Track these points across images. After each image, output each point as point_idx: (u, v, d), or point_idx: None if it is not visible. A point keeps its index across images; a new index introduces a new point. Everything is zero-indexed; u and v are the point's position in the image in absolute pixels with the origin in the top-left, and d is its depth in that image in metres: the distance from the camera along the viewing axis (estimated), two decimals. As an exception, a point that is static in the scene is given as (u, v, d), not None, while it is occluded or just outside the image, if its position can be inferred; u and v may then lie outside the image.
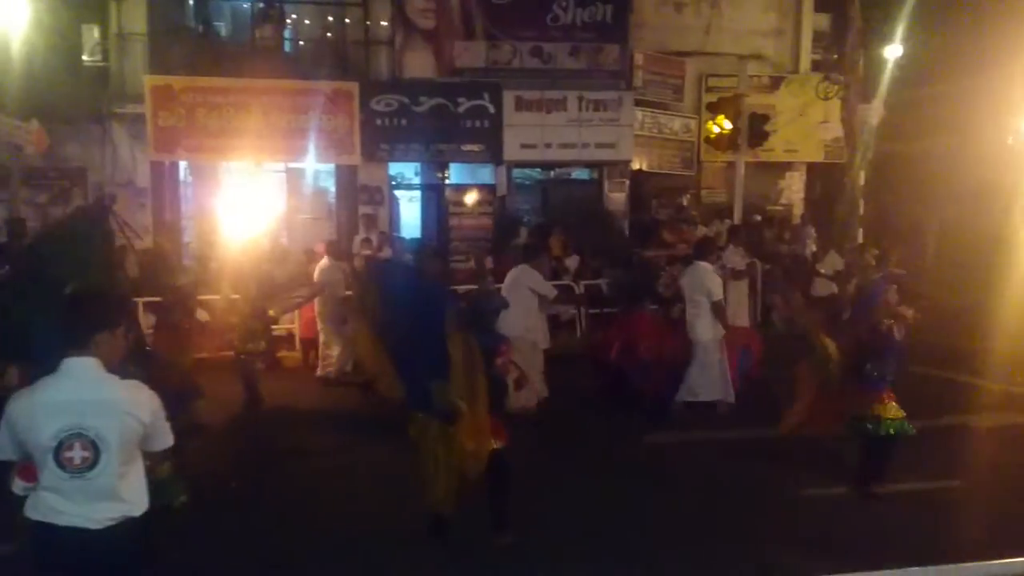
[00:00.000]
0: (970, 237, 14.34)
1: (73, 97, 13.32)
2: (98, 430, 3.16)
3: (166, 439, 3.46)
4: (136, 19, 13.53)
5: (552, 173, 15.87)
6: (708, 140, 15.96)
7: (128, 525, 3.25)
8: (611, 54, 14.56)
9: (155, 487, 4.36)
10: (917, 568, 2.90)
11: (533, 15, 14.28)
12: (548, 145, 14.33)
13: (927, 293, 9.62)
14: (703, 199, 16.68)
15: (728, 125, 15.65)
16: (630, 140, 14.67)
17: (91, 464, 3.14)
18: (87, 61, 13.97)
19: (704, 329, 8.53)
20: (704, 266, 8.69)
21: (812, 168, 17.33)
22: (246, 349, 9.16)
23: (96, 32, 13.89)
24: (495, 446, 5.30)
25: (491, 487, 5.41)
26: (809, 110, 16.61)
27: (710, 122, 15.92)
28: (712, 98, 16.02)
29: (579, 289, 13.00)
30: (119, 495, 3.22)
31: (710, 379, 8.60)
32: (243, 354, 9.18)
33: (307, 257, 12.21)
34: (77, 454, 3.13)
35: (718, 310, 8.54)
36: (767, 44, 16.67)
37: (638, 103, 14.84)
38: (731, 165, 16.05)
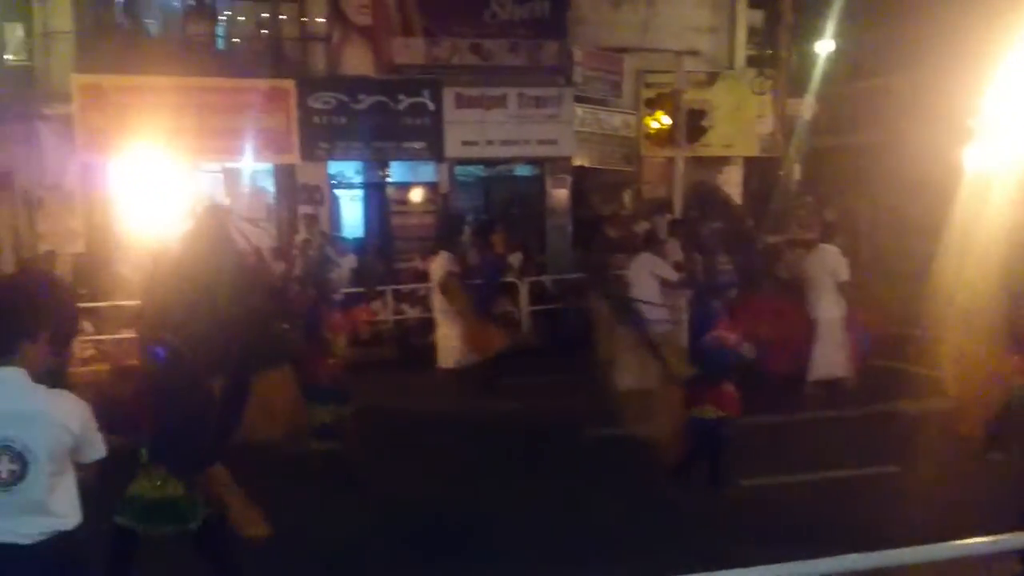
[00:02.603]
0: (905, 228, 14.75)
1: (-4, 98, 12.87)
2: (25, 442, 3.05)
3: (98, 449, 3.35)
4: (61, 17, 13.10)
5: (494, 170, 15.86)
6: (647, 136, 16.12)
7: (59, 539, 3.14)
8: (550, 50, 14.60)
9: (170, 507, 4.35)
10: (856, 555, 2.95)
11: (471, 11, 14.24)
12: (490, 142, 14.31)
13: (860, 282, 9.87)
14: (644, 194, 16.84)
15: (666, 121, 15.84)
16: (571, 136, 14.73)
17: (19, 477, 3.03)
18: (11, 61, 13.51)
19: (828, 308, 9.06)
20: (830, 248, 9.27)
21: (749, 162, 17.63)
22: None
23: (20, 30, 13.43)
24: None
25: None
26: (745, 105, 16.90)
27: (648, 118, 16.10)
28: (650, 94, 16.18)
29: (523, 286, 13.04)
30: (49, 509, 3.12)
31: (836, 356, 9.09)
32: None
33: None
34: (4, 467, 3.02)
35: (844, 290, 9.08)
36: (703, 40, 16.89)
37: (578, 99, 14.91)
38: (671, 160, 16.24)
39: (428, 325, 12.64)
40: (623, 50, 15.95)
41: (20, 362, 3.17)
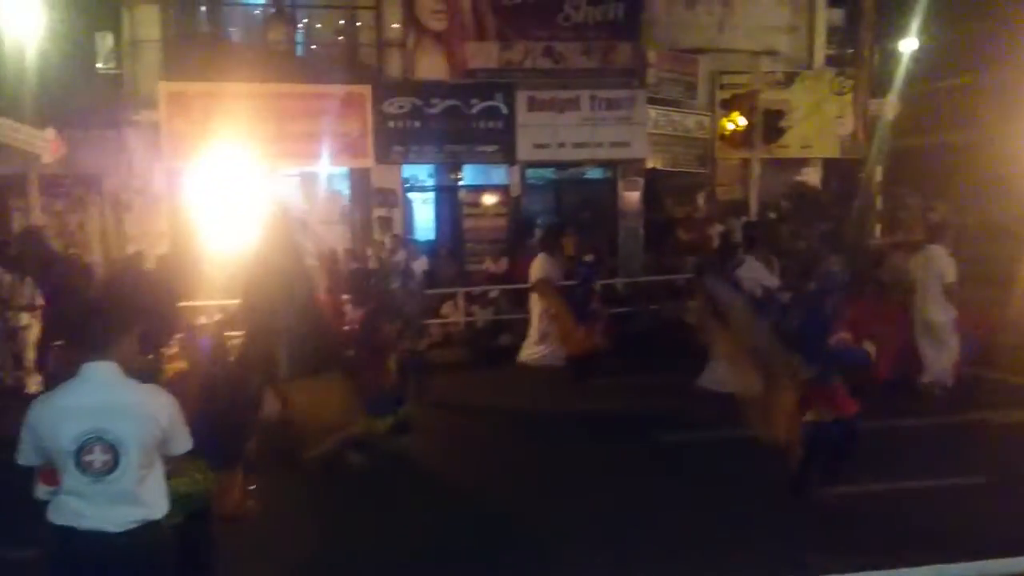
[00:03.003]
0: (992, 230, 14.18)
1: (88, 105, 13.39)
2: (117, 434, 3.17)
3: (184, 443, 3.46)
4: (149, 26, 13.57)
5: (566, 173, 15.84)
6: (722, 137, 15.88)
7: (147, 528, 3.26)
8: (623, 52, 14.49)
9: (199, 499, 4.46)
10: (946, 565, 2.84)
11: (545, 15, 14.24)
12: (561, 145, 14.28)
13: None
14: (718, 197, 16.58)
15: (742, 122, 15.60)
16: (643, 138, 14.60)
17: (111, 468, 3.15)
18: (101, 69, 14.05)
19: (937, 311, 8.90)
20: (937, 249, 9.07)
21: (828, 164, 17.20)
22: (413, 347, 9.35)
23: (110, 39, 13.96)
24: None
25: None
26: (824, 106, 16.50)
27: (724, 119, 15.86)
28: (726, 95, 15.94)
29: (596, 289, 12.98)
30: (138, 499, 3.24)
31: (946, 361, 8.97)
32: (409, 352, 9.36)
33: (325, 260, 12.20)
34: (97, 458, 3.14)
35: (950, 292, 8.87)
36: (781, 40, 16.55)
37: (651, 101, 14.77)
38: (746, 162, 15.96)
39: (498, 327, 12.74)
40: (698, 51, 15.73)
41: (114, 357, 3.29)
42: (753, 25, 16.18)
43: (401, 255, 13.25)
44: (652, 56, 14.87)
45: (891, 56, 16.78)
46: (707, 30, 15.79)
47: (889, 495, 6.25)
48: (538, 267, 11.08)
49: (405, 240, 14.11)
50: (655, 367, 10.39)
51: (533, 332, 11.29)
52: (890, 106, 16.08)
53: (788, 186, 16.11)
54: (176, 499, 4.33)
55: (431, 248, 14.33)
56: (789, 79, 16.52)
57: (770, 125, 14.96)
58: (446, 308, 13.02)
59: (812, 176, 17.34)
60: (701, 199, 16.49)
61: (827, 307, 6.22)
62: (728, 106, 15.77)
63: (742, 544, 5.48)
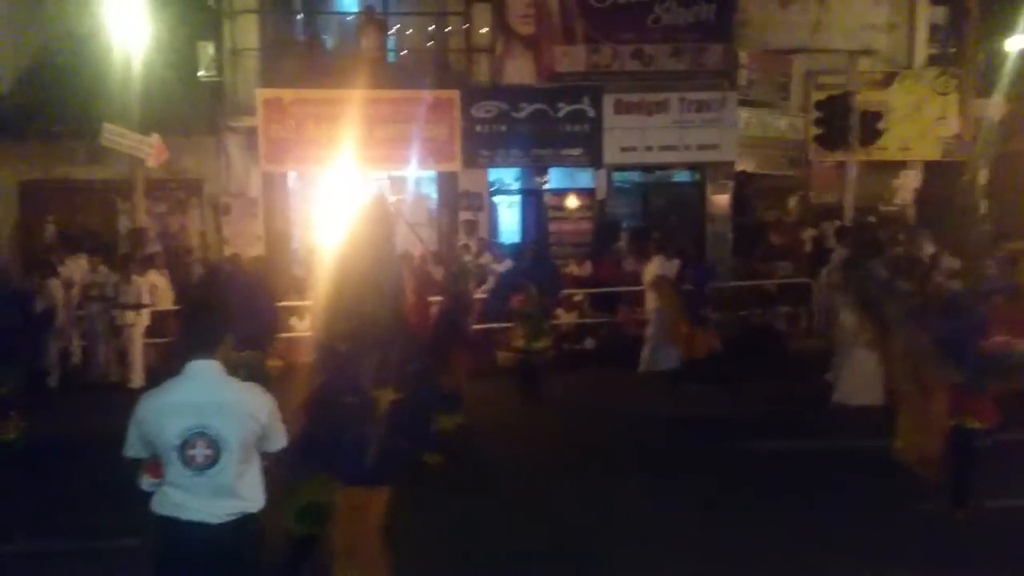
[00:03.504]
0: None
1: (190, 111, 13.95)
2: (219, 430, 3.29)
3: (280, 440, 3.56)
4: (248, 35, 14.03)
5: (653, 176, 15.67)
6: (817, 139, 15.43)
7: (245, 520, 3.38)
8: (714, 54, 14.24)
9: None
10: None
11: (634, 17, 14.11)
12: (649, 147, 14.12)
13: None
14: (811, 200, 16.12)
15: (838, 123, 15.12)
16: (734, 141, 14.31)
17: (212, 462, 3.27)
18: (203, 77, 14.59)
19: None
20: None
21: (929, 166, 16.52)
22: (531, 347, 9.52)
23: (211, 48, 14.49)
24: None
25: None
26: (925, 106, 15.87)
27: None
28: (821, 96, 15.48)
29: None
30: (238, 492, 3.35)
31: None
32: (527, 352, 9.56)
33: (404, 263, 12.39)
34: (200, 452, 3.26)
35: None
36: (879, 39, 15.98)
37: (742, 103, 14.47)
38: (841, 165, 15.47)
39: (583, 330, 12.70)
40: (792, 51, 15.34)
41: (216, 356, 3.41)
42: (850, 24, 15.67)
43: (486, 258, 13.38)
44: (744, 57, 14.58)
45: (997, 55, 16.03)
46: (801, 30, 15.36)
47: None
48: (655, 267, 11.04)
49: (490, 243, 14.25)
50: (745, 374, 10.19)
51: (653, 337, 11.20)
52: (996, 107, 15.37)
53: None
54: (311, 508, 4.47)
55: (516, 251, 14.37)
56: (888, 79, 15.94)
57: (867, 126, 14.42)
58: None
59: (911, 179, 16.71)
60: (793, 202, 16.09)
61: (980, 311, 6.05)
62: (823, 107, 15.32)
63: (837, 560, 5.32)
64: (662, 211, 15.66)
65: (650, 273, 11.16)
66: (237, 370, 3.53)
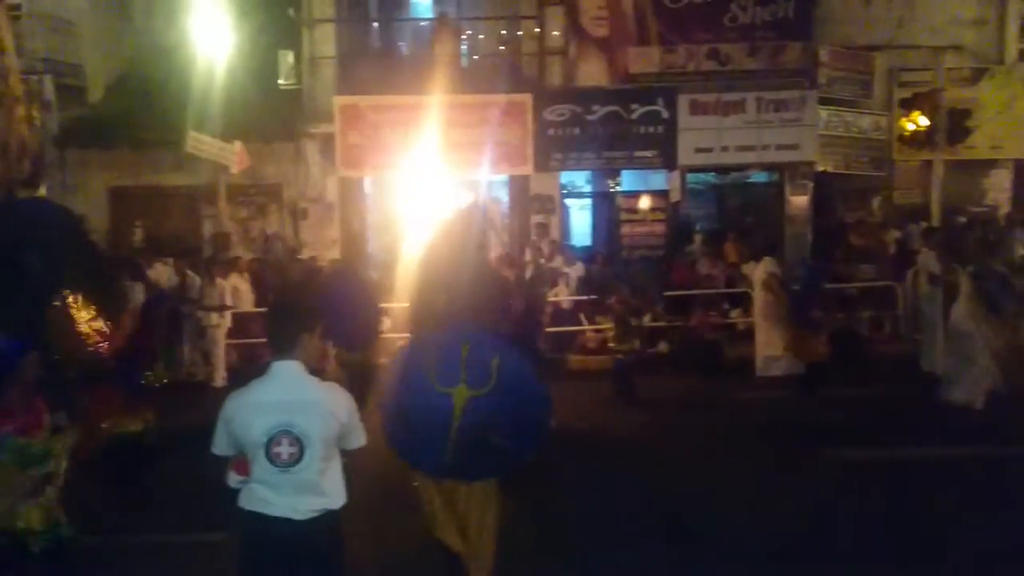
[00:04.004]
0: None
1: (270, 119, 14.31)
2: (302, 428, 3.35)
3: (360, 438, 3.61)
4: (326, 43, 14.35)
5: (729, 177, 15.40)
6: (901, 138, 14.95)
7: (328, 517, 3.44)
8: (793, 52, 13.93)
9: None
10: None
11: (710, 17, 13.91)
12: (725, 148, 13.88)
13: None
14: (896, 201, 15.60)
15: (924, 122, 14.66)
16: (813, 140, 13.97)
17: (296, 459, 3.34)
18: (282, 84, 14.97)
19: None
20: None
21: (1020, 165, 15.81)
22: (622, 348, 9.62)
23: (291, 57, 14.85)
24: None
25: None
26: (1017, 103, 15.15)
27: (904, 119, 14.94)
28: (906, 94, 15.00)
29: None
30: (321, 489, 3.41)
31: None
32: (619, 353, 9.66)
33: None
34: (284, 450, 3.33)
35: None
36: (967, 34, 15.36)
37: (822, 101, 14.10)
38: (927, 164, 14.95)
39: (657, 333, 12.55)
40: (875, 48, 14.87)
41: (299, 356, 3.48)
42: (936, 19, 15.10)
43: (558, 261, 13.36)
44: (824, 55, 14.20)
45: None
46: (885, 26, 14.86)
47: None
48: (766, 266, 10.78)
49: (562, 246, 14.21)
50: (828, 379, 9.92)
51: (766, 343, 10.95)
52: (1096, 102, 14.61)
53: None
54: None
55: (587, 254, 14.33)
56: (977, 75, 15.31)
57: (955, 125, 13.90)
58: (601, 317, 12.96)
59: (1001, 179, 16.02)
60: (876, 203, 15.59)
61: None
62: (908, 105, 14.83)
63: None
64: (738, 213, 15.40)
65: (761, 272, 10.86)
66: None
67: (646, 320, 10.54)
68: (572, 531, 5.99)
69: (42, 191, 13.41)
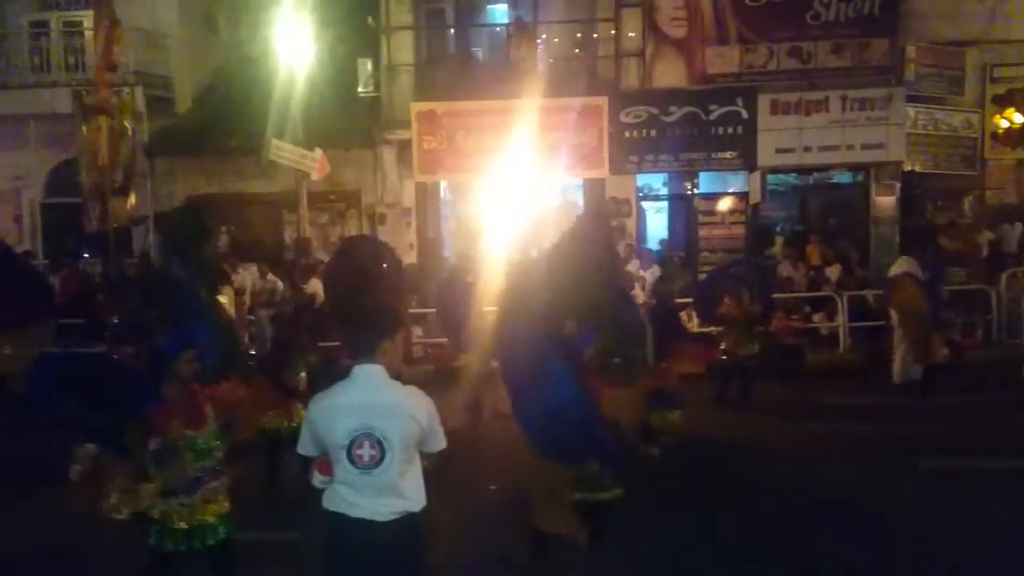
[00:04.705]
0: None
1: (349, 126, 14.60)
2: (383, 430, 3.39)
3: (440, 442, 3.62)
4: (404, 51, 14.55)
5: (811, 178, 15.01)
6: (994, 136, 14.34)
7: (409, 520, 3.48)
8: (878, 49, 13.49)
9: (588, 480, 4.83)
10: None
11: (791, 14, 13.58)
12: (807, 148, 13.55)
13: None
14: (988, 201, 14.95)
15: (1019, 118, 14.05)
16: (901, 139, 13.51)
17: (377, 461, 3.38)
18: (361, 92, 15.24)
19: None
20: None
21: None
22: (742, 353, 9.62)
23: (369, 65, 15.11)
24: None
25: None
26: (1120, 98, 14.39)
27: (997, 116, 14.33)
28: (999, 89, 14.38)
29: (841, 301, 12.21)
30: (401, 491, 3.45)
31: None
32: (740, 357, 9.67)
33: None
34: (365, 452, 3.38)
35: None
36: (1065, 26, 14.64)
37: (910, 99, 13.64)
38: (1021, 163, 14.29)
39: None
40: (966, 43, 14.29)
41: (379, 360, 3.52)
42: (1031, 12, 14.45)
43: (633, 264, 13.22)
44: (912, 51, 13.72)
45: None
46: (977, 20, 14.24)
47: None
48: (903, 265, 10.24)
49: (638, 249, 14.07)
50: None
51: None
52: None
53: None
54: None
55: (663, 257, 14.15)
56: (1077, 69, 14.58)
57: (1053, 121, 13.27)
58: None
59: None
60: (967, 204, 14.97)
61: None
62: (1002, 102, 14.22)
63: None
64: (821, 214, 14.98)
65: (897, 272, 10.31)
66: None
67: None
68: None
69: (132, 199, 14.10)
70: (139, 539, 4.32)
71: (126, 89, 14.26)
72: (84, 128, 13.34)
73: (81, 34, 15.18)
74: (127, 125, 13.89)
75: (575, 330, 4.87)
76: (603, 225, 5.70)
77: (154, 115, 15.15)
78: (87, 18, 14.55)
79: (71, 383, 4.18)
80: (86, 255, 14.79)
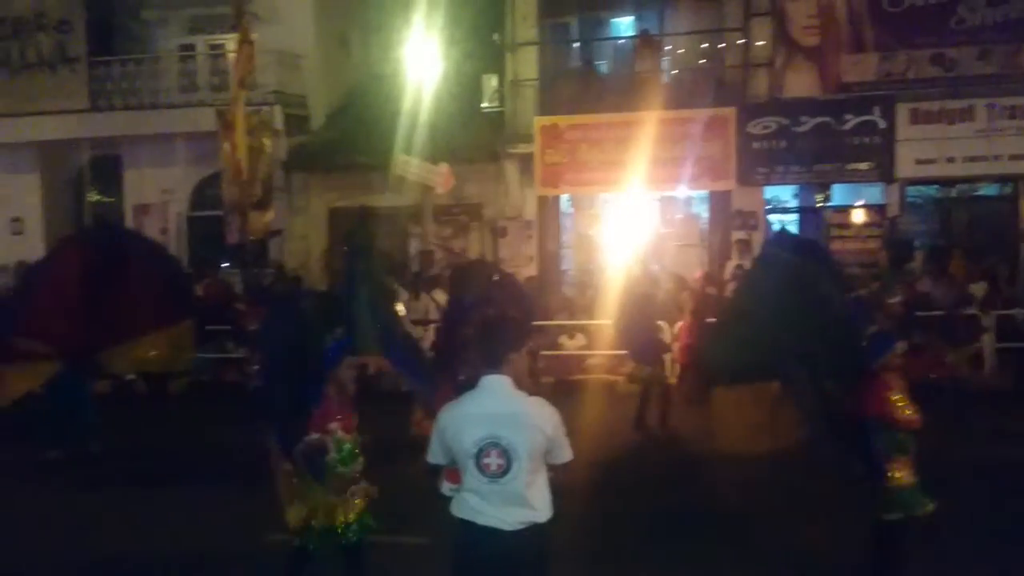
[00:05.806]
0: None
1: (472, 140, 14.85)
2: (510, 440, 3.40)
3: (566, 452, 3.60)
4: (528, 66, 14.69)
5: (953, 190, 14.20)
6: None
7: (535, 530, 3.46)
8: (1030, 54, 12.69)
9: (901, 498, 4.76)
10: None
11: (934, 20, 12.94)
12: (950, 159, 12.86)
13: None
14: None
15: None
16: (1053, 149, 12.62)
17: (504, 471, 3.38)
18: (485, 107, 15.50)
19: None
20: None
21: None
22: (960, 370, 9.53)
23: (494, 81, 15.36)
24: None
25: None
26: None
27: None
28: None
29: (987, 320, 11.45)
30: (528, 501, 3.43)
31: None
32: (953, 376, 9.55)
33: (678, 285, 12.17)
34: (493, 461, 3.39)
35: None
36: None
37: (1067, 106, 12.72)
38: None
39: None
40: None
41: (506, 370, 3.54)
42: None
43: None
44: (1066, 55, 12.80)
45: None
46: None
47: None
48: None
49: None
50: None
51: None
52: None
53: None
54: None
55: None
56: None
57: None
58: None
59: None
60: None
61: None
62: None
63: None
64: (965, 228, 14.14)
65: None
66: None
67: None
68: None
69: (271, 213, 14.80)
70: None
71: (265, 108, 14.99)
72: (226, 145, 14.09)
73: (225, 56, 16.07)
74: (266, 142, 14.60)
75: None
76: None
77: (290, 132, 15.87)
78: (230, 41, 15.39)
79: None
80: (225, 264, 15.58)
